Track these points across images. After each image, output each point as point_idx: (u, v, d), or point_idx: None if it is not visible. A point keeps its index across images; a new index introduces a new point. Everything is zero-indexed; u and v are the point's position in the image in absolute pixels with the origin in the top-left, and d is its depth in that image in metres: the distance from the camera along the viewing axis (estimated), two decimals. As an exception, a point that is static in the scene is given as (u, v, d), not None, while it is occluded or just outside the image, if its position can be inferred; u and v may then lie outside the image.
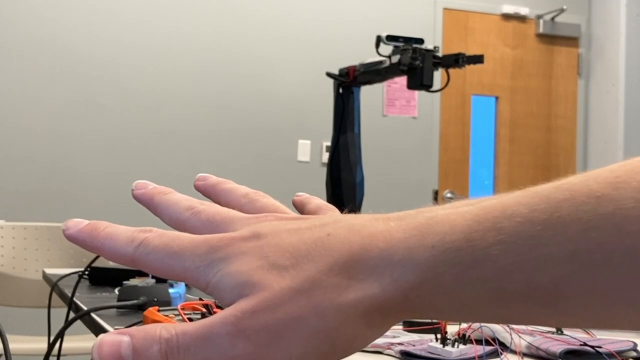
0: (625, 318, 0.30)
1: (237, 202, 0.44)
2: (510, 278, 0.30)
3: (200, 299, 1.12)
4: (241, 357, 0.32)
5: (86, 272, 1.74)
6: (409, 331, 1.16)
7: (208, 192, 0.47)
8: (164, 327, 0.33)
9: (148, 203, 0.45)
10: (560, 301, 0.30)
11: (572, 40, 5.14)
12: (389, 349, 1.04)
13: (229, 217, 0.38)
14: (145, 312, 1.08)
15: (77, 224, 0.38)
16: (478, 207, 0.32)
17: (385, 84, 4.55)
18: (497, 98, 4.99)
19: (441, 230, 0.32)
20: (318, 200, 0.47)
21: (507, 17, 4.98)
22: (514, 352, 1.02)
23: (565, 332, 1.14)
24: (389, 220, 0.34)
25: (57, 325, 1.46)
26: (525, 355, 1.01)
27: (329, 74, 2.14)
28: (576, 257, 0.29)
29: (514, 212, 0.31)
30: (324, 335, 0.32)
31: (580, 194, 0.30)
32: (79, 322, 1.36)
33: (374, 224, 0.34)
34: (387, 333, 1.14)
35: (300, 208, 0.47)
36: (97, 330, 1.27)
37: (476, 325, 1.01)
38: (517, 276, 0.30)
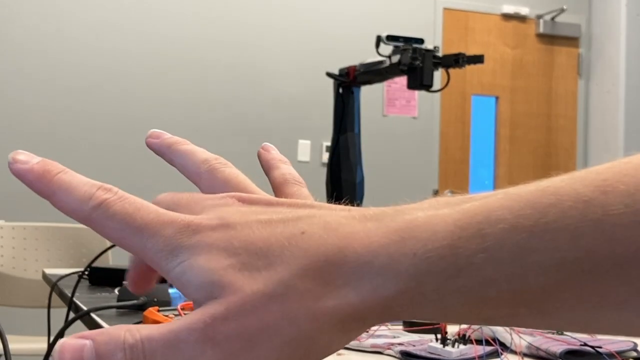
0: (614, 323, 0.30)
1: (195, 168, 0.41)
2: (495, 286, 0.29)
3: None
4: None
5: (86, 272, 1.74)
6: (409, 331, 1.16)
7: (162, 152, 0.43)
8: (129, 330, 0.31)
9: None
10: (547, 308, 0.30)
11: (572, 40, 5.14)
12: (389, 349, 1.04)
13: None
14: (145, 312, 1.08)
15: (28, 159, 0.35)
16: (460, 210, 0.31)
17: (385, 84, 4.55)
18: (497, 98, 4.99)
19: (423, 236, 0.30)
20: (284, 167, 0.45)
21: (507, 17, 4.98)
22: (514, 352, 1.02)
23: (565, 332, 1.14)
24: (366, 220, 0.32)
25: (57, 325, 1.46)
26: (525, 355, 1.01)
27: (329, 74, 2.14)
28: (564, 265, 0.28)
29: (499, 217, 0.30)
30: (298, 343, 0.30)
31: (567, 199, 0.29)
32: (78, 322, 1.36)
33: (350, 223, 0.32)
34: (387, 333, 1.14)
35: (266, 169, 0.45)
36: (97, 330, 1.27)
37: (476, 325, 1.01)
38: (502, 285, 0.29)
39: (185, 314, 1.07)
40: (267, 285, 0.30)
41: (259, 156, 0.46)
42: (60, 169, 0.34)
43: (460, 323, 0.31)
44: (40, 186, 0.34)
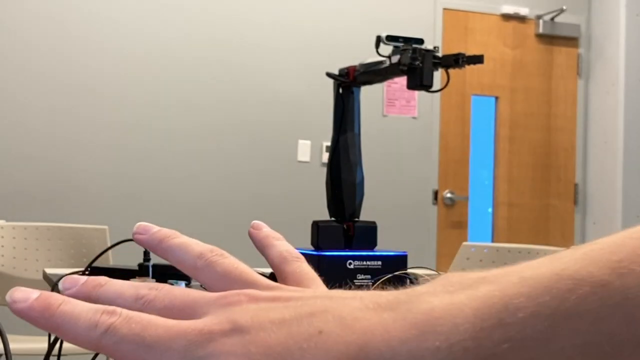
0: None
1: (191, 262, 0.40)
2: None
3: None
4: None
5: (86, 272, 1.74)
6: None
7: (153, 248, 0.42)
8: None
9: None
10: None
11: (571, 41, 5.14)
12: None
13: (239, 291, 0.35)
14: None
15: (26, 296, 0.33)
16: (477, 298, 0.31)
17: (385, 84, 4.55)
18: (497, 98, 5.00)
19: (443, 330, 0.30)
20: (280, 245, 0.44)
21: (506, 17, 4.99)
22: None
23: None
24: (382, 311, 0.32)
25: (57, 325, 1.46)
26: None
27: (329, 74, 2.14)
28: (585, 350, 0.29)
29: (517, 306, 0.30)
30: None
31: (584, 283, 0.29)
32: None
33: (366, 316, 0.31)
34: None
35: (260, 249, 0.44)
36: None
37: None
38: None
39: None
40: None
41: (251, 236, 0.45)
42: (60, 300, 0.33)
43: None
44: (44, 322, 0.33)
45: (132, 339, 0.32)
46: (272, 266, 0.43)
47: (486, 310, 0.30)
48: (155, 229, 0.42)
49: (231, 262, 0.39)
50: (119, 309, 0.33)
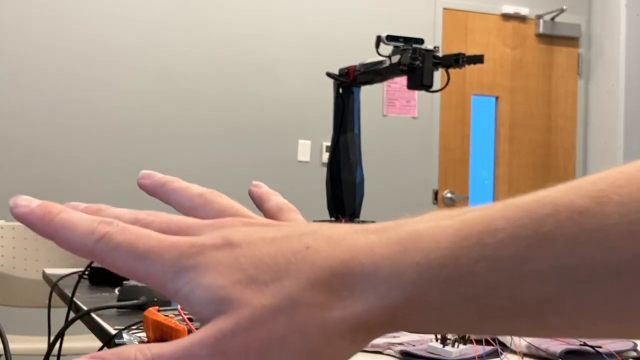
0: (611, 331, 0.31)
1: (190, 202, 0.42)
2: (495, 295, 0.30)
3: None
4: None
5: (86, 272, 1.74)
6: (409, 331, 1.16)
7: (156, 192, 0.44)
8: (139, 349, 0.31)
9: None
10: (546, 317, 0.30)
11: (572, 40, 5.14)
12: (389, 349, 1.04)
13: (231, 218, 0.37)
14: (146, 312, 1.08)
15: (28, 202, 0.35)
16: (460, 220, 0.32)
17: (385, 84, 4.55)
18: (497, 98, 4.99)
19: (425, 247, 0.31)
20: (278, 198, 0.45)
21: (507, 17, 4.98)
22: (514, 352, 1.02)
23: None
24: (368, 233, 0.33)
25: (57, 325, 1.46)
26: (525, 355, 1.01)
27: (329, 74, 2.14)
28: (561, 273, 0.29)
29: (497, 227, 0.30)
30: (307, 354, 0.31)
31: (563, 209, 0.30)
32: (79, 322, 1.36)
33: (353, 237, 0.33)
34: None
35: (258, 203, 0.46)
36: (97, 330, 1.27)
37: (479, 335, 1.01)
38: (502, 293, 0.30)
39: (185, 313, 1.07)
40: (276, 299, 0.31)
41: (250, 193, 0.46)
42: (60, 209, 0.35)
43: (463, 333, 0.33)
44: (43, 227, 0.34)
45: (125, 247, 0.33)
46: (267, 216, 0.44)
47: (467, 231, 0.31)
48: (159, 175, 0.44)
49: (229, 201, 0.41)
50: (116, 221, 0.34)
